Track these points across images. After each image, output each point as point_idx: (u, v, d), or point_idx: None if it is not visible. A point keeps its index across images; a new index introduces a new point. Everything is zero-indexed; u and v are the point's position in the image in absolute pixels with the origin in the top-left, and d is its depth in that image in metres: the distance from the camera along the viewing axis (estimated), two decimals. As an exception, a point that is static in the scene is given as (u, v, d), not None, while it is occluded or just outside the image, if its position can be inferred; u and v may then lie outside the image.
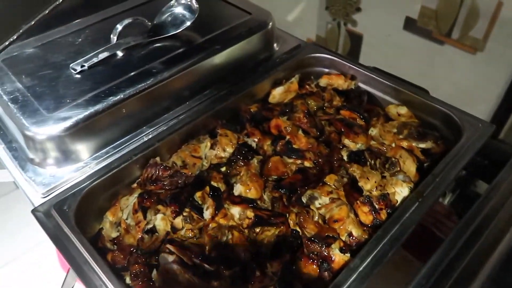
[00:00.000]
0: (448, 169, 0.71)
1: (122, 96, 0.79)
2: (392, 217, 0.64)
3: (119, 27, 0.89)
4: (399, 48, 1.88)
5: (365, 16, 1.94)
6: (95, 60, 0.84)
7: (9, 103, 0.78)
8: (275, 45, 1.01)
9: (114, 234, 0.70)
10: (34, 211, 0.68)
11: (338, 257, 0.63)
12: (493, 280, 0.52)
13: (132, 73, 0.83)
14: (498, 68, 1.71)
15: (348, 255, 0.64)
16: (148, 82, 0.82)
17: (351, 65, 0.95)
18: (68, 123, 0.74)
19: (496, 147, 0.78)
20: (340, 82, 0.94)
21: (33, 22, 0.43)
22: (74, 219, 0.67)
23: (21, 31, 0.44)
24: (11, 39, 0.43)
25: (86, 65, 0.84)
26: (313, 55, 0.98)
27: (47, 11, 0.41)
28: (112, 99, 0.78)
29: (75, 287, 0.75)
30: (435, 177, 0.69)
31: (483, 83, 1.78)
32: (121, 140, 0.80)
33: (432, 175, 0.70)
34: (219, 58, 0.91)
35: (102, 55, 0.85)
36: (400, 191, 0.71)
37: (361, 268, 0.58)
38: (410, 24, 1.82)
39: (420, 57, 1.84)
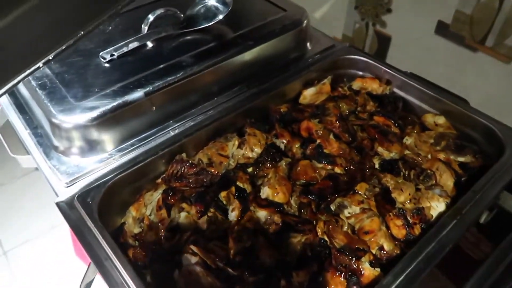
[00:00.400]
0: (489, 185, 0.67)
1: (150, 88, 0.77)
2: (428, 234, 0.61)
3: (151, 17, 0.86)
4: (429, 53, 1.83)
5: (395, 18, 1.89)
6: (125, 49, 0.83)
7: (37, 89, 0.77)
8: (308, 44, 0.98)
9: (137, 230, 0.68)
10: (57, 202, 0.67)
11: (368, 271, 0.60)
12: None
13: (162, 65, 0.81)
14: (532, 79, 1.64)
15: (378, 269, 0.60)
16: (177, 76, 0.80)
17: (387, 69, 0.91)
18: (95, 113, 0.72)
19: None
20: (375, 86, 0.90)
21: (91, 28, 0.41)
22: (97, 211, 0.65)
23: (78, 35, 0.42)
24: (68, 44, 0.42)
25: (116, 54, 0.82)
26: (347, 56, 0.95)
27: (105, 17, 0.39)
28: (141, 91, 0.76)
29: (95, 281, 0.74)
30: (476, 194, 0.65)
31: (512, 92, 1.71)
32: (147, 133, 0.78)
33: (472, 192, 0.66)
34: (251, 55, 0.88)
35: (132, 45, 0.83)
36: (436, 206, 0.67)
37: (393, 286, 0.55)
38: (442, 29, 1.75)
39: (451, 63, 1.78)
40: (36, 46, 0.43)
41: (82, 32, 0.42)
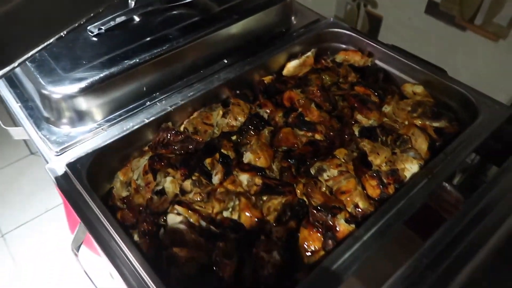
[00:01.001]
0: (460, 149, 0.70)
1: (137, 60, 0.79)
2: (399, 192, 0.64)
3: (137, -9, 0.88)
4: (419, 32, 1.84)
5: (386, -2, 1.90)
6: (112, 23, 0.85)
7: (27, 62, 0.79)
8: (293, 18, 1.00)
9: (124, 194, 0.72)
10: (48, 168, 0.70)
11: (343, 227, 0.63)
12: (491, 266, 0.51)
13: (148, 39, 0.84)
14: (518, 57, 1.66)
15: (353, 225, 0.64)
16: (163, 48, 0.82)
17: (369, 42, 0.94)
18: (84, 83, 0.75)
19: (510, 131, 0.77)
20: (357, 59, 0.92)
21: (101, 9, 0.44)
22: (86, 177, 0.68)
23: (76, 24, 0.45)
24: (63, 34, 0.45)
25: (103, 28, 0.84)
26: (331, 29, 0.97)
27: (101, 10, 0.43)
28: (127, 63, 0.79)
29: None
30: (446, 156, 0.69)
31: (504, 72, 1.74)
32: (135, 104, 0.81)
33: (443, 153, 0.69)
34: (236, 28, 0.90)
35: (119, 19, 0.86)
36: (410, 168, 0.70)
37: (364, 238, 0.59)
38: (432, 8, 1.77)
39: (441, 42, 1.80)
40: (51, 23, 0.46)
41: (92, 14, 0.45)
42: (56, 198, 1.78)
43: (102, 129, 0.77)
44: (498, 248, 0.49)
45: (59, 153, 0.73)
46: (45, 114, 0.78)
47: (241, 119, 0.80)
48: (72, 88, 0.75)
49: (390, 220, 0.61)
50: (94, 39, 0.84)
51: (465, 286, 0.46)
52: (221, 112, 0.81)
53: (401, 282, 0.53)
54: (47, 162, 0.72)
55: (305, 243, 0.64)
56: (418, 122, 0.78)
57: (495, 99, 0.78)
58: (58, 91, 0.75)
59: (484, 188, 0.63)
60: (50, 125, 0.78)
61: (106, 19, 0.85)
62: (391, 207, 0.62)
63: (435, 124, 0.77)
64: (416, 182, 0.65)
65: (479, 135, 0.72)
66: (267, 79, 0.89)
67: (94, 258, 1.04)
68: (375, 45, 0.94)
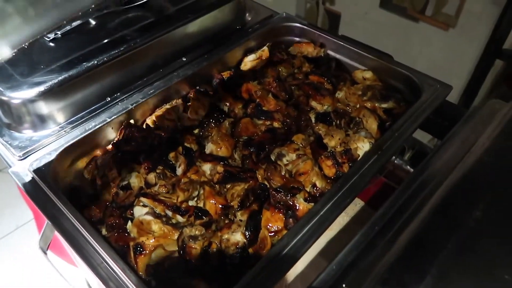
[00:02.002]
0: (406, 125, 0.75)
1: (95, 62, 0.81)
2: (352, 168, 0.69)
3: (92, -4, 0.90)
4: (376, 26, 1.93)
5: (342, -6, 1.97)
6: (68, 28, 0.86)
7: (-17, 70, 0.79)
8: (247, 15, 1.04)
9: (90, 191, 0.73)
10: (11, 172, 0.71)
11: (303, 206, 0.67)
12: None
13: (105, 41, 0.85)
14: (469, 43, 1.76)
15: (312, 204, 0.68)
16: (121, 49, 0.84)
17: (321, 34, 0.99)
18: (42, 87, 0.76)
19: (451, 107, 0.83)
20: (310, 50, 0.97)
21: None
22: (50, 177, 0.69)
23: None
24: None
25: (60, 33, 0.85)
26: (284, 24, 1.01)
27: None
28: (86, 65, 0.80)
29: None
30: (394, 132, 0.74)
31: (456, 59, 1.84)
32: (96, 106, 0.82)
33: (391, 131, 0.74)
34: (192, 27, 0.93)
35: (75, 23, 0.87)
36: (362, 146, 0.75)
37: (321, 213, 0.63)
38: (386, 2, 1.86)
39: (397, 34, 1.89)
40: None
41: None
42: (27, 214, 1.75)
43: (64, 131, 0.78)
44: (435, 208, 0.53)
45: (22, 157, 0.74)
46: (6, 120, 0.79)
47: (202, 112, 0.83)
48: (31, 92, 0.75)
49: (344, 194, 0.65)
50: (51, 44, 0.85)
51: (408, 244, 0.50)
52: (181, 107, 0.83)
53: (356, 248, 0.57)
54: (10, 167, 0.72)
55: (269, 224, 0.67)
56: (368, 104, 0.83)
57: (436, 79, 0.84)
58: (17, 96, 0.75)
59: (427, 159, 0.68)
60: (12, 131, 0.78)
61: (62, 23, 0.86)
62: (345, 183, 0.66)
63: (384, 106, 0.83)
64: (367, 158, 0.70)
65: (423, 112, 0.78)
66: (226, 74, 0.92)
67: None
68: (326, 36, 0.99)
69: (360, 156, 0.75)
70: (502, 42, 1.46)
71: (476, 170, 0.57)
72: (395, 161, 0.88)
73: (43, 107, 0.77)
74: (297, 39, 1.02)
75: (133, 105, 0.81)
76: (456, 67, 1.82)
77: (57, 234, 0.66)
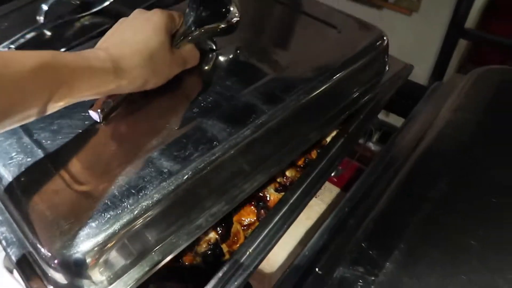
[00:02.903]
0: (370, 108, 0.76)
1: (53, 72, 0.79)
2: (319, 154, 0.69)
3: (44, 7, 0.88)
4: (344, 16, 1.95)
5: (305, -12, 1.99)
6: (22, 40, 0.84)
7: None
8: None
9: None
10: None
11: (274, 196, 0.67)
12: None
13: (62, 50, 0.84)
14: (432, 26, 1.80)
15: (282, 193, 0.67)
16: (79, 57, 0.82)
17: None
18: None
19: (414, 86, 0.84)
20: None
21: None
22: None
23: None
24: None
25: (13, 46, 0.83)
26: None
27: None
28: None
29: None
30: (360, 114, 0.74)
31: (421, 42, 1.87)
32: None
33: (356, 114, 0.74)
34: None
35: (30, 35, 0.85)
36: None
37: (291, 201, 0.62)
38: (350, -7, 1.88)
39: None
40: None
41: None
42: None
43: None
44: (401, 185, 0.54)
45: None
46: None
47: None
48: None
49: (313, 180, 0.65)
50: (5, 58, 0.82)
51: (376, 222, 0.50)
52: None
53: (327, 232, 0.57)
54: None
55: (241, 218, 0.66)
56: (333, 91, 0.84)
57: (398, 59, 0.84)
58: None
59: (392, 139, 0.69)
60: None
61: (15, 37, 0.84)
62: (313, 169, 0.66)
63: (348, 90, 0.83)
64: (334, 143, 0.70)
65: (386, 93, 0.78)
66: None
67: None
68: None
69: (328, 142, 0.75)
70: (463, 22, 1.49)
71: (438, 144, 0.58)
72: (366, 144, 0.89)
73: None
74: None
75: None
76: (422, 50, 1.86)
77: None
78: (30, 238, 0.45)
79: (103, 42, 0.56)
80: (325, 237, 0.56)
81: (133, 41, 0.52)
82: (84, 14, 0.91)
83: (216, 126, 0.54)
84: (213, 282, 0.53)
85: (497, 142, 0.54)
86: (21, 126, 0.54)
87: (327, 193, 0.89)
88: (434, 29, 1.76)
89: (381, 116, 0.84)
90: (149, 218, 0.47)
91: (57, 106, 0.44)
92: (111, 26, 0.88)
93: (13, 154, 0.52)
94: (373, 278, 0.43)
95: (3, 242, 0.54)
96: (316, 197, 0.81)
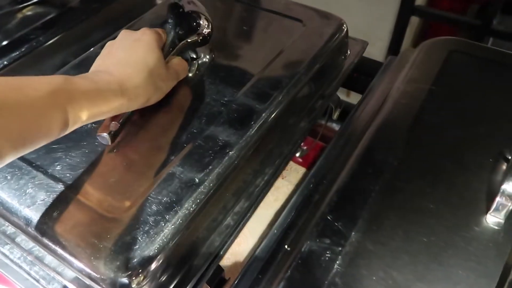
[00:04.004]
0: (327, 84, 0.77)
1: (-5, 68, 0.74)
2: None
3: (-19, -2, 0.82)
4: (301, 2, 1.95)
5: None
6: (-42, 35, 0.78)
7: None
8: None
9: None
10: None
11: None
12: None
13: (4, 43, 0.79)
14: (385, 5, 1.84)
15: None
16: (22, 50, 0.78)
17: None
18: None
19: (370, 62, 0.86)
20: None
21: None
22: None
23: None
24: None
25: (-51, 41, 0.77)
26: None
27: None
28: (-16, 72, 0.73)
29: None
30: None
31: (375, 22, 1.91)
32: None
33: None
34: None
35: (-34, 30, 0.79)
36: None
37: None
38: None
39: (318, 5, 1.93)
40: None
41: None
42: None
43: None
44: (360, 157, 0.55)
45: None
46: None
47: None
48: None
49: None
50: None
51: (338, 195, 0.51)
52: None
53: (295, 208, 0.58)
54: None
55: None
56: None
57: (351, 36, 0.86)
58: None
59: (351, 114, 0.70)
60: None
61: (-51, 32, 0.78)
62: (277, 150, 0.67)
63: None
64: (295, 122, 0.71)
65: (344, 70, 0.80)
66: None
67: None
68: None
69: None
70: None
71: (394, 114, 0.59)
72: (327, 124, 0.90)
73: None
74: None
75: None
76: (377, 30, 1.90)
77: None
78: (77, 267, 0.45)
79: (98, 66, 0.56)
80: (292, 214, 0.56)
81: (131, 62, 0.54)
82: (25, 4, 0.85)
83: (225, 131, 0.56)
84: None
85: (448, 108, 0.57)
86: (31, 165, 0.53)
87: (294, 174, 0.90)
88: (387, 9, 1.80)
89: (342, 96, 0.85)
90: (187, 231, 0.48)
91: (70, 129, 0.45)
92: (56, 16, 0.85)
93: (31, 192, 0.50)
94: (340, 248, 0.44)
95: (42, 281, 0.54)
96: (283, 178, 0.81)
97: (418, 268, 0.42)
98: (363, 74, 0.83)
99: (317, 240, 0.46)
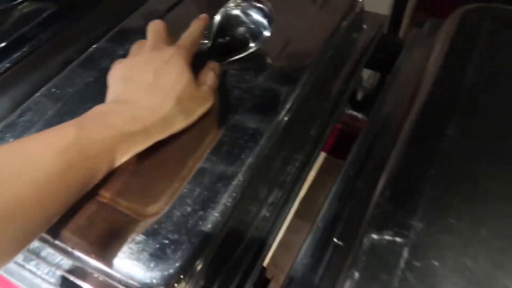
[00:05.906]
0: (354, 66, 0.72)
1: (-3, 71, 0.69)
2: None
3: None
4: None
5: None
6: (-48, 38, 0.72)
7: None
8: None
9: None
10: None
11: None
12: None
13: (2, 45, 0.73)
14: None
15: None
16: (24, 50, 0.72)
17: None
18: None
19: (389, 38, 0.82)
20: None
21: None
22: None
23: None
24: None
25: None
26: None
27: None
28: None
29: None
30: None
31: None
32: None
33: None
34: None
35: (-40, 31, 0.73)
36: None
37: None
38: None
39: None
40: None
41: None
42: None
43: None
44: (407, 140, 0.51)
45: None
46: None
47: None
48: None
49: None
50: None
51: (391, 181, 0.47)
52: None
53: (338, 198, 0.54)
54: None
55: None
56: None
57: (371, 12, 0.81)
58: None
59: (381, 96, 0.66)
60: None
61: None
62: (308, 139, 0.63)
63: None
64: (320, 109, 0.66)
65: (366, 50, 0.75)
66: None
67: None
68: None
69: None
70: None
71: (437, 91, 0.55)
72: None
73: None
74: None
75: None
76: (377, 2, 1.83)
77: None
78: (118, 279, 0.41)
79: (120, 94, 0.48)
80: (336, 206, 0.53)
81: (160, 90, 0.47)
82: (20, 0, 0.79)
83: (251, 119, 0.52)
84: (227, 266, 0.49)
85: (498, 83, 0.53)
86: None
87: (315, 160, 0.86)
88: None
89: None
90: (225, 228, 0.45)
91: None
92: (55, 11, 0.79)
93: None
94: (405, 240, 0.40)
95: None
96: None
97: (494, 255, 0.39)
98: (383, 52, 0.78)
99: (377, 233, 0.42)
